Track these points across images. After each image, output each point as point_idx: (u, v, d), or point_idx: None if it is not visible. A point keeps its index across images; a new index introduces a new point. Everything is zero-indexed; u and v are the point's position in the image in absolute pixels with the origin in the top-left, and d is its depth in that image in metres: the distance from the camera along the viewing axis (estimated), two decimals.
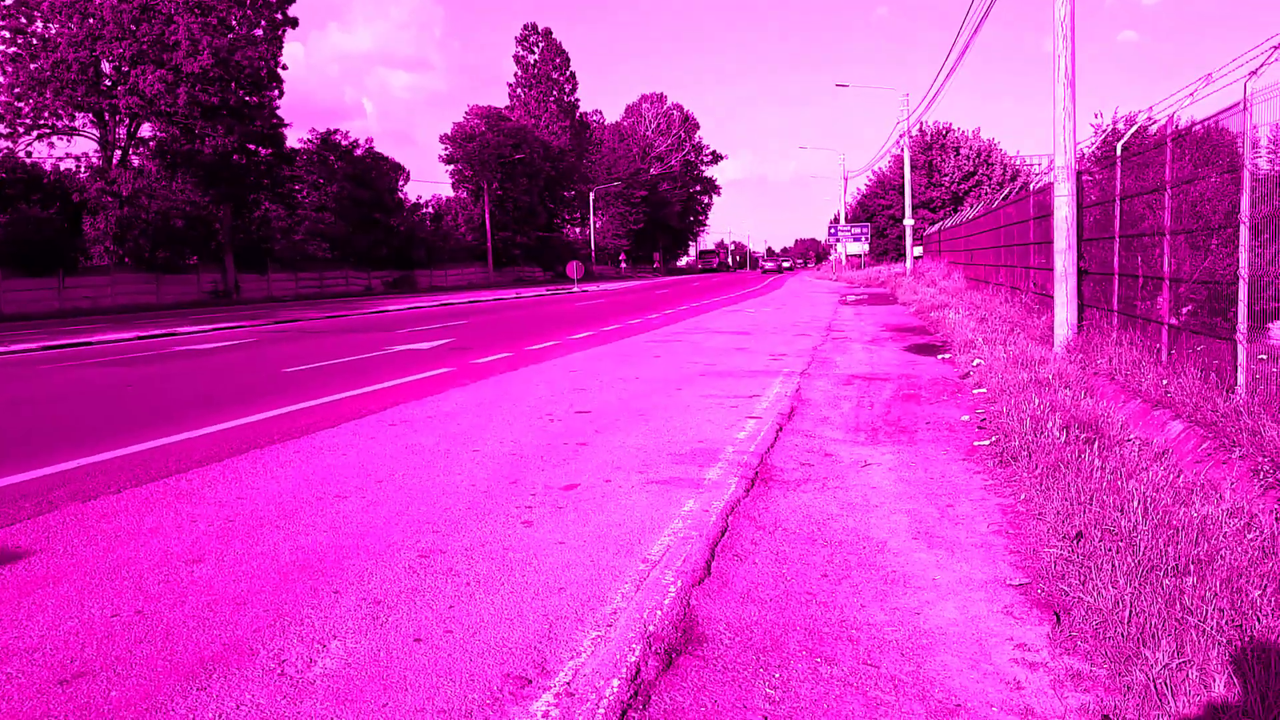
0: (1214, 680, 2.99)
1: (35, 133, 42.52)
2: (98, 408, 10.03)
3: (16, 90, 41.18)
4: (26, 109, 41.64)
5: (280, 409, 9.40)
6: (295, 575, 4.47)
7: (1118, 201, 10.35)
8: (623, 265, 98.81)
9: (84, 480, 6.40)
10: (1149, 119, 10.68)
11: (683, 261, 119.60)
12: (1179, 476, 5.41)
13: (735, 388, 10.67)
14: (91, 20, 41.34)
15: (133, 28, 41.38)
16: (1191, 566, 3.84)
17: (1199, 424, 6.24)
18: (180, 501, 5.84)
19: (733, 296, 38.00)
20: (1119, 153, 10.41)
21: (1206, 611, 3.40)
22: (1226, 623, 3.34)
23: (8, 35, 41.66)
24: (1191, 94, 8.25)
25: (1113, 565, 3.96)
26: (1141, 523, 4.43)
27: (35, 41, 42.00)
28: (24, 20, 41.90)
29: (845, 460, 6.91)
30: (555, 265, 73.95)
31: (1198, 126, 7.99)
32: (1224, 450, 5.61)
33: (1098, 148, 13.42)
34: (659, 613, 3.95)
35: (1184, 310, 8.29)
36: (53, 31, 41.87)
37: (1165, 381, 7.50)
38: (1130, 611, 3.52)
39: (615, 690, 3.26)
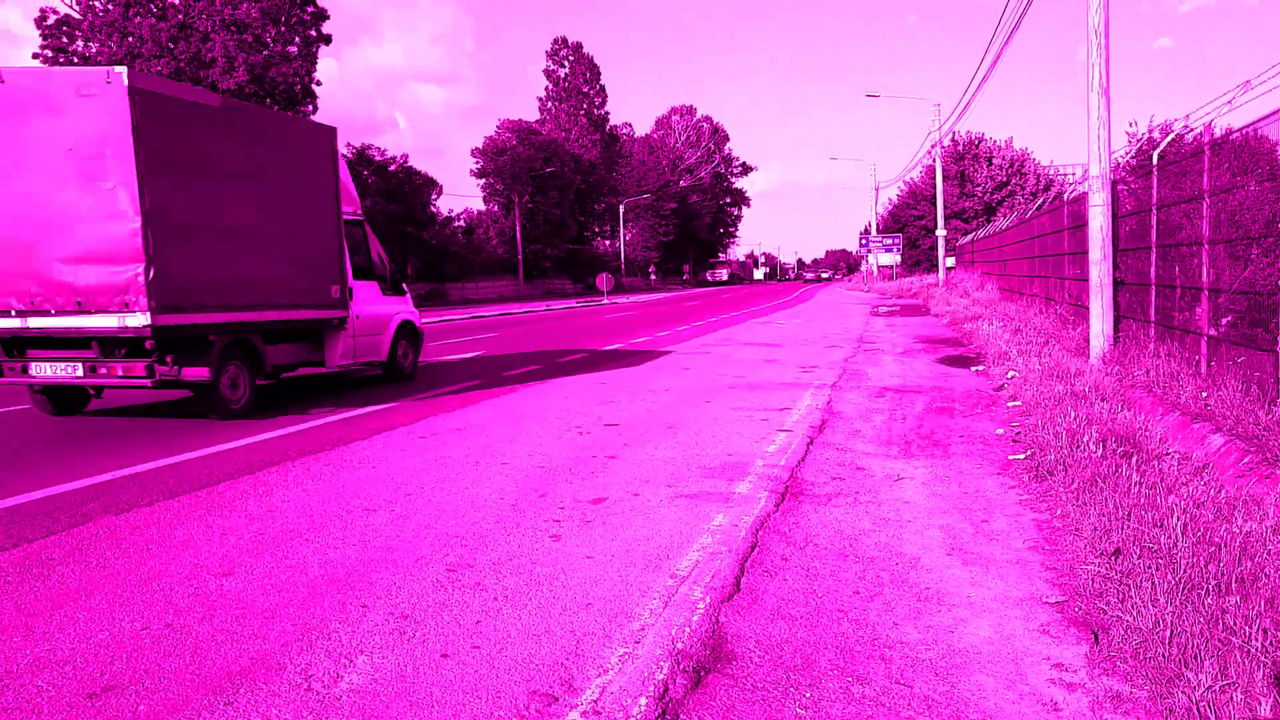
0: (1260, 704, 2.90)
1: None
2: (135, 420, 10.13)
3: None
4: None
5: (313, 422, 9.46)
6: (324, 589, 4.47)
7: (1154, 211, 10.20)
8: (652, 277, 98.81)
9: (118, 493, 6.47)
10: (1185, 127, 10.53)
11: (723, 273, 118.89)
12: (1220, 491, 5.28)
13: (765, 400, 10.60)
14: (130, 39, 42.16)
15: (170, 46, 42.14)
16: (1234, 585, 3.73)
17: (1240, 437, 6.11)
18: (211, 514, 5.88)
19: (762, 308, 37.89)
20: (1155, 161, 10.26)
21: (1251, 632, 3.31)
22: (1272, 644, 3.24)
23: (50, 54, 42.58)
24: (1229, 101, 8.13)
25: (1152, 583, 3.87)
26: (1182, 539, 4.33)
27: (76, 60, 42.88)
28: (65, 40, 42.82)
29: (877, 474, 6.83)
30: (585, 277, 74.09)
31: (1236, 134, 7.86)
32: (1267, 464, 5.48)
33: (1133, 157, 13.24)
34: (688, 629, 3.90)
35: (1223, 321, 8.13)
36: (93, 50, 42.75)
37: (1204, 394, 7.36)
38: (1171, 631, 3.43)
39: (643, 709, 3.22)
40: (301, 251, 10.86)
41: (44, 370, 9.16)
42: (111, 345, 8.97)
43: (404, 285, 13.94)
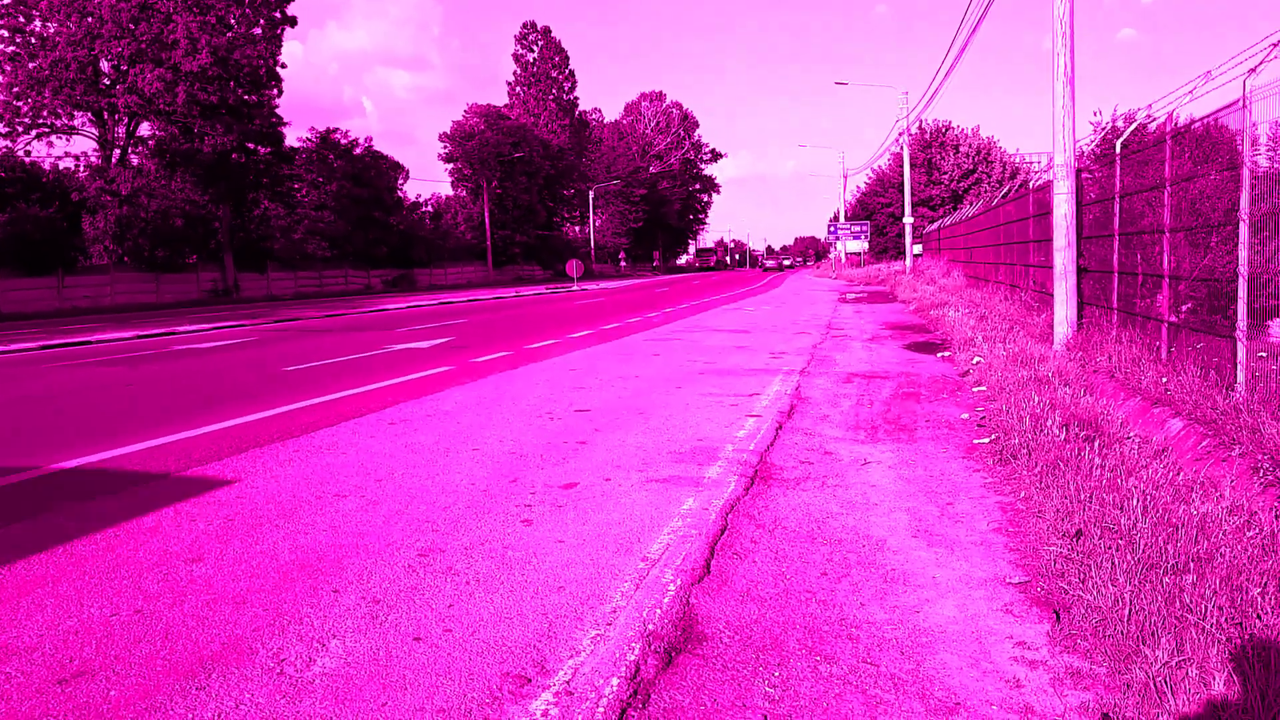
0: (1214, 678, 2.99)
1: (34, 132, 42.51)
2: (97, 407, 10.02)
3: (15, 89, 41.17)
4: (25, 108, 41.63)
5: (279, 408, 9.40)
6: (294, 574, 4.46)
7: (1117, 199, 10.35)
8: (622, 264, 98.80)
9: (81, 480, 6.40)
10: (1148, 116, 10.68)
11: (682, 260, 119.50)
12: (1179, 474, 5.40)
13: (735, 386, 10.67)
14: (90, 19, 41.31)
15: (131, 26, 41.35)
16: (1191, 564, 3.83)
17: (1199, 421, 6.24)
18: (178, 500, 5.84)
19: (732, 295, 37.99)
20: (1118, 150, 10.41)
21: (1206, 609, 3.40)
22: (1226, 621, 3.33)
23: (6, 34, 41.64)
24: (1191, 92, 8.25)
25: (1112, 563, 3.96)
26: (1141, 520, 4.43)
27: (34, 40, 41.98)
28: (22, 19, 41.88)
29: (845, 458, 6.91)
30: (555, 264, 73.91)
31: (1197, 124, 7.99)
32: (1224, 448, 5.61)
33: (1097, 145, 13.42)
34: (659, 611, 3.95)
35: (1184, 308, 8.29)
36: (51, 30, 41.85)
37: (1165, 379, 7.50)
38: (1130, 609, 3.52)
39: (615, 689, 3.26)
40: None
41: None
42: None
43: None
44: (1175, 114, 8.57)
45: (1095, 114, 16.03)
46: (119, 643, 3.67)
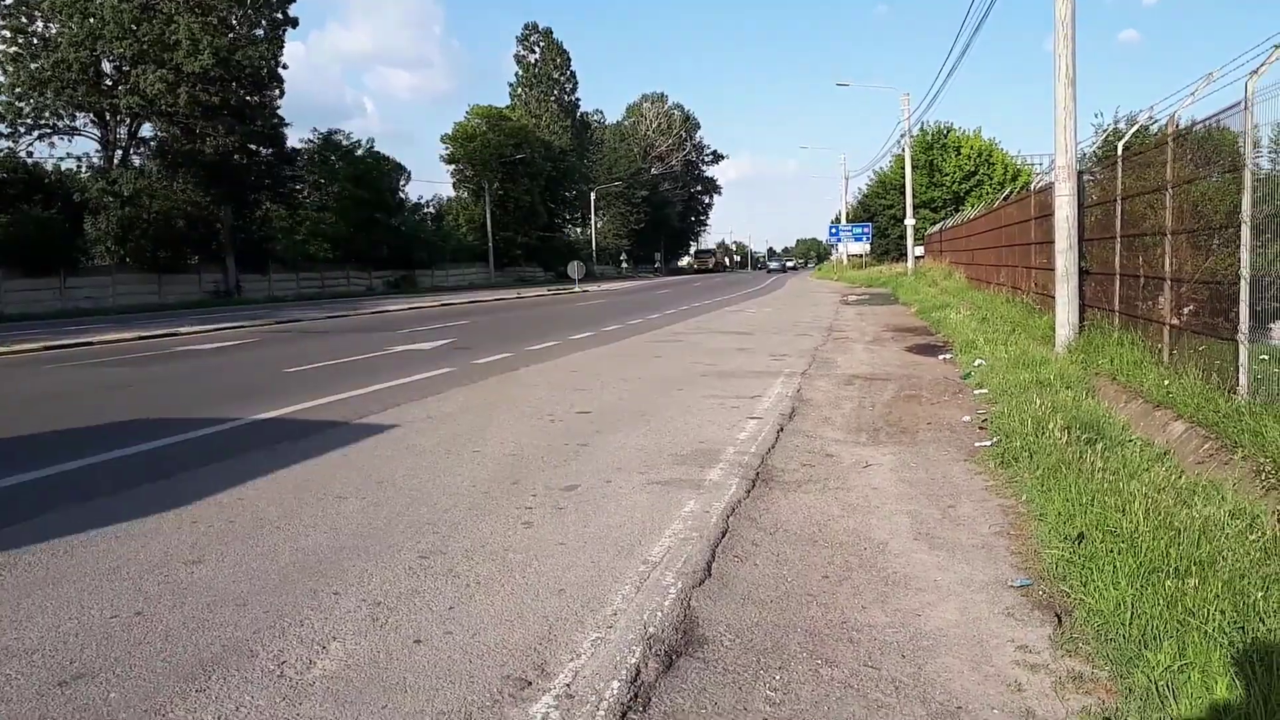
0: (1216, 682, 2.98)
1: (36, 132, 42.53)
2: (98, 409, 10.02)
3: (17, 90, 41.21)
4: (27, 109, 41.67)
5: (281, 409, 9.39)
6: (295, 576, 4.46)
7: (1119, 201, 10.33)
8: (624, 265, 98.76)
9: (84, 481, 6.40)
10: (1150, 118, 10.67)
11: (684, 261, 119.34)
12: (1181, 477, 5.39)
13: (737, 388, 10.66)
14: (92, 20, 41.33)
15: (133, 27, 41.36)
16: (1193, 568, 3.82)
17: (1201, 425, 6.23)
18: (180, 502, 5.83)
19: (734, 297, 37.98)
20: (1120, 152, 10.39)
21: (1208, 613, 3.39)
22: (1229, 625, 3.32)
23: (8, 35, 41.68)
24: (1193, 94, 8.24)
25: (1114, 567, 3.95)
26: (1143, 524, 4.42)
27: (36, 41, 42.03)
28: (24, 20, 41.93)
29: (846, 461, 6.90)
30: (556, 265, 73.81)
31: (1199, 126, 7.97)
32: (1226, 451, 5.60)
33: (1099, 147, 13.40)
34: (659, 614, 3.94)
35: (1185, 310, 8.27)
36: (53, 31, 41.91)
37: (1167, 382, 7.49)
38: (1132, 613, 3.51)
39: (615, 692, 3.25)
40: None
41: None
42: None
43: None
44: (1177, 116, 8.56)
45: (1097, 115, 16.02)
46: (119, 644, 3.66)
